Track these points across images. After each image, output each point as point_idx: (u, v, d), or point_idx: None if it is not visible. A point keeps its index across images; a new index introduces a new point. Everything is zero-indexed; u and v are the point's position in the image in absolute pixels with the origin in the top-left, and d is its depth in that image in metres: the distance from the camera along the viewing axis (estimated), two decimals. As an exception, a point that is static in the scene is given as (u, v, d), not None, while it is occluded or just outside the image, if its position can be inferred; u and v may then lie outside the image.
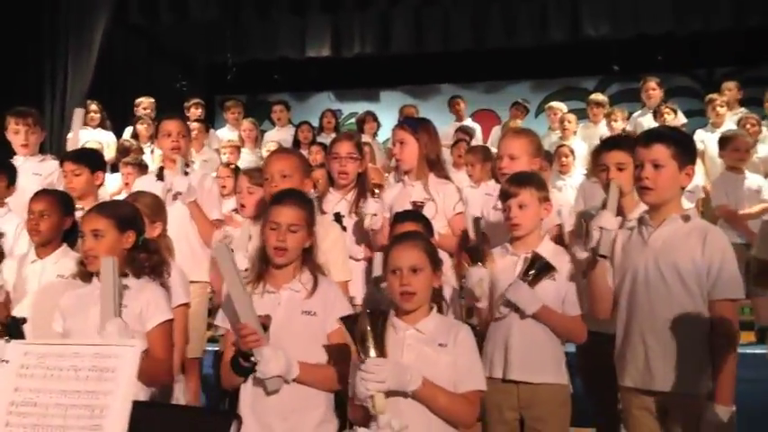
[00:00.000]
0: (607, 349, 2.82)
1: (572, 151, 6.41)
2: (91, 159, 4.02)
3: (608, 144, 3.38)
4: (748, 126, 6.00)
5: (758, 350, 4.13)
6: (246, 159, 6.84)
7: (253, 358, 2.45)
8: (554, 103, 7.83)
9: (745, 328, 4.64)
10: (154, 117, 7.04)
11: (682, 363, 2.58)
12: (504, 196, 2.98)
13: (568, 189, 5.81)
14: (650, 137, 2.73)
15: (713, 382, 2.56)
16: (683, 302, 2.60)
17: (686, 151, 2.69)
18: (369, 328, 2.23)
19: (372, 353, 2.22)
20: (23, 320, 2.75)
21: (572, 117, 7.24)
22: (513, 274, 2.91)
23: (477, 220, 3.37)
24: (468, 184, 5.06)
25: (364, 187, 3.67)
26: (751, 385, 3.64)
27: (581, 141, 6.95)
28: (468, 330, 2.48)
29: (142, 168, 5.52)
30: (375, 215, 3.45)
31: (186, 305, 3.20)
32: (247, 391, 2.54)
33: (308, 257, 2.67)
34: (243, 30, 9.86)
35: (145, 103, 7.52)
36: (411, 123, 3.69)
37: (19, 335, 2.62)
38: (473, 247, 3.06)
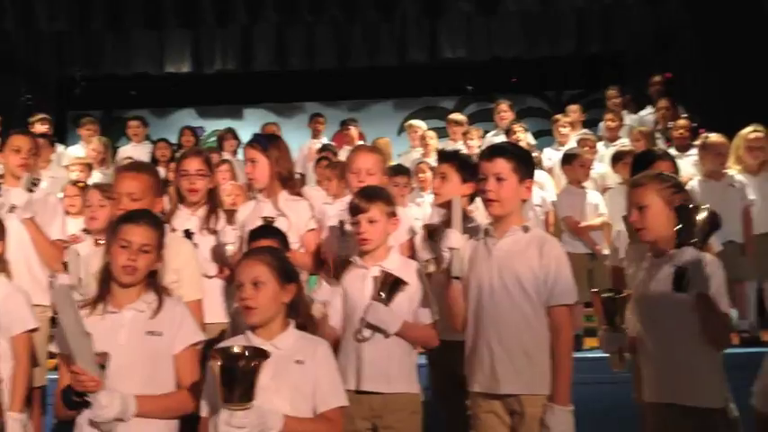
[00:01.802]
0: (456, 356, 2.91)
1: (431, 168, 6.58)
2: None
3: (444, 157, 3.53)
4: (587, 147, 6.43)
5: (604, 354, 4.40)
6: (98, 178, 6.52)
7: (87, 398, 2.34)
8: (414, 122, 8.02)
9: (589, 334, 4.92)
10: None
11: (525, 367, 2.70)
12: (354, 211, 3.02)
13: (426, 205, 5.96)
14: (493, 152, 2.86)
15: (553, 384, 2.69)
16: (525, 309, 2.72)
17: (525, 165, 2.83)
18: (242, 371, 2.15)
19: (239, 400, 2.15)
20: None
21: (433, 134, 7.45)
22: (363, 287, 2.95)
23: (334, 229, 3.39)
24: (325, 200, 5.07)
25: (215, 204, 3.60)
26: (597, 387, 3.88)
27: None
28: (326, 346, 2.48)
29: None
30: (233, 243, 3.41)
31: (34, 330, 3.04)
32: (83, 422, 2.42)
33: (152, 278, 2.59)
34: (96, 43, 9.46)
35: None
36: (261, 141, 3.65)
37: None
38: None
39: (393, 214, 3.05)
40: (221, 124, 9.27)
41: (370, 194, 3.05)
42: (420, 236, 3.52)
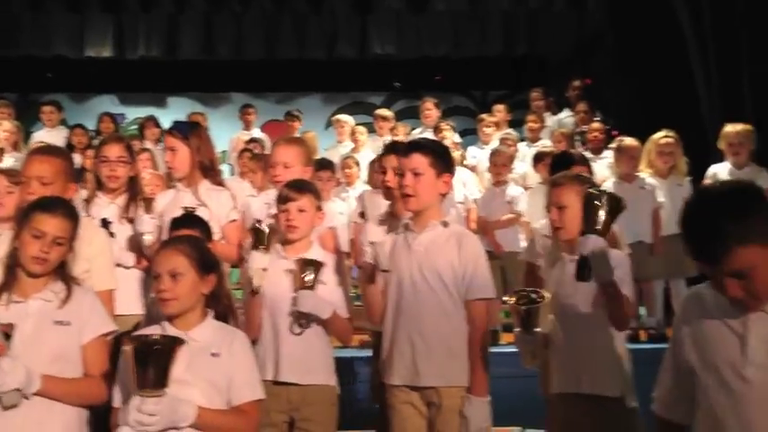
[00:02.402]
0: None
1: (357, 163, 6.61)
2: None
3: (388, 149, 3.57)
4: (509, 143, 6.59)
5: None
6: (9, 163, 6.26)
7: None
8: (341, 116, 8.02)
9: (507, 330, 5.04)
10: None
11: (445, 359, 2.76)
12: (284, 200, 3.01)
13: (351, 199, 5.98)
14: (410, 147, 2.91)
15: (470, 376, 2.76)
16: (444, 303, 2.77)
17: (443, 160, 2.87)
18: (156, 357, 2.12)
19: (151, 387, 2.12)
20: None
21: (362, 129, 7.46)
22: (283, 278, 2.94)
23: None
24: (250, 192, 5.03)
25: (135, 192, 3.53)
26: (514, 381, 3.98)
27: (366, 153, 7.18)
28: (243, 338, 2.45)
29: None
30: (151, 233, 3.33)
31: None
32: None
33: (62, 267, 2.51)
34: (14, 23, 9.07)
35: None
36: (181, 129, 3.58)
37: None
38: (259, 227, 3.01)
39: (320, 208, 3.07)
40: (144, 112, 9.02)
41: (301, 186, 3.07)
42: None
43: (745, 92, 6.00)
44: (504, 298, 2.75)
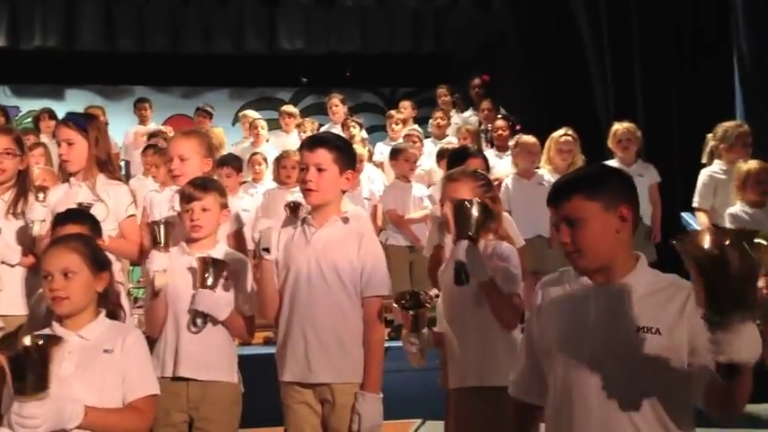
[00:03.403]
0: None
1: (265, 159, 6.54)
2: None
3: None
4: (415, 140, 6.67)
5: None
6: None
7: None
8: (247, 112, 7.94)
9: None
10: None
11: (339, 356, 2.75)
12: (187, 199, 2.96)
13: (258, 196, 5.92)
14: (314, 142, 2.89)
15: (364, 373, 2.76)
16: (340, 299, 2.76)
17: (346, 157, 2.87)
18: (31, 360, 2.02)
19: (31, 392, 2.02)
20: None
21: (263, 123, 7.39)
22: (187, 275, 2.90)
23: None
24: (153, 188, 4.90)
25: (25, 187, 3.38)
26: (410, 374, 4.02)
27: (273, 149, 7.12)
28: (137, 334, 2.40)
29: None
30: (44, 221, 3.19)
31: None
32: None
33: None
34: None
35: None
36: (78, 121, 3.45)
37: None
38: (156, 226, 2.94)
39: (225, 206, 3.02)
40: (39, 104, 8.64)
41: (204, 184, 3.02)
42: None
43: (638, 91, 6.30)
44: (391, 302, 2.76)
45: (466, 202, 2.65)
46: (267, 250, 2.77)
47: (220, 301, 2.86)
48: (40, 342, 2.09)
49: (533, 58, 7.58)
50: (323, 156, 2.80)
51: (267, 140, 7.28)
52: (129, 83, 9.73)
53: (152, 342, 2.77)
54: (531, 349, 1.99)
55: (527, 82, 7.85)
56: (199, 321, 2.87)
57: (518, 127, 6.86)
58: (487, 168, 3.51)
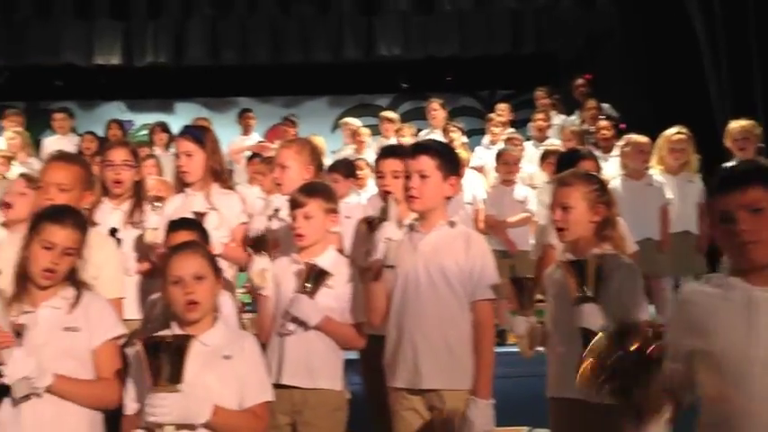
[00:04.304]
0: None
1: (368, 164, 6.61)
2: None
3: (384, 152, 3.53)
4: (516, 143, 6.56)
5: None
6: (19, 171, 6.29)
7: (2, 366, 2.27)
8: (348, 119, 8.02)
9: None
10: None
11: (448, 361, 2.72)
12: (292, 206, 3.00)
13: (363, 201, 5.96)
14: (417, 149, 2.87)
15: (474, 378, 2.72)
16: (450, 304, 2.74)
17: (450, 163, 2.84)
18: (168, 355, 2.13)
19: (166, 382, 2.13)
20: None
21: (366, 131, 7.45)
22: (293, 282, 2.93)
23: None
24: (259, 195, 5.03)
25: (140, 198, 3.51)
26: (521, 381, 3.94)
27: (373, 155, 7.17)
28: (253, 340, 2.47)
29: None
30: (156, 229, 3.31)
31: None
32: (4, 413, 2.35)
33: (72, 273, 2.52)
34: (22, 31, 9.12)
35: None
36: (196, 134, 3.58)
37: None
38: (257, 237, 3.02)
39: (333, 211, 3.03)
40: (151, 118, 9.08)
41: (310, 189, 3.03)
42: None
43: (756, 88, 5.95)
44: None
45: (581, 261, 2.54)
46: (392, 267, 2.78)
47: (314, 307, 2.87)
48: (178, 337, 2.20)
49: (640, 56, 7.31)
50: (426, 162, 2.79)
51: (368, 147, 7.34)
52: (233, 94, 10.06)
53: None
54: (677, 354, 1.84)
55: (633, 80, 7.57)
56: (291, 325, 2.89)
57: (622, 126, 6.62)
58: (598, 171, 3.38)
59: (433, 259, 2.76)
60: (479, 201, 5.84)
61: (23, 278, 2.47)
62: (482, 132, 8.03)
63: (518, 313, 2.65)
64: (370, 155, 7.15)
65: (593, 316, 2.43)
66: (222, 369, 2.32)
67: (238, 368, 2.34)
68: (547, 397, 2.77)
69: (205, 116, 8.53)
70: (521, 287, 2.66)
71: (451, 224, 2.83)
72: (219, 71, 9.66)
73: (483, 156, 6.90)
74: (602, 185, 2.79)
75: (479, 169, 6.60)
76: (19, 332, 2.34)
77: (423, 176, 2.77)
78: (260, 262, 2.95)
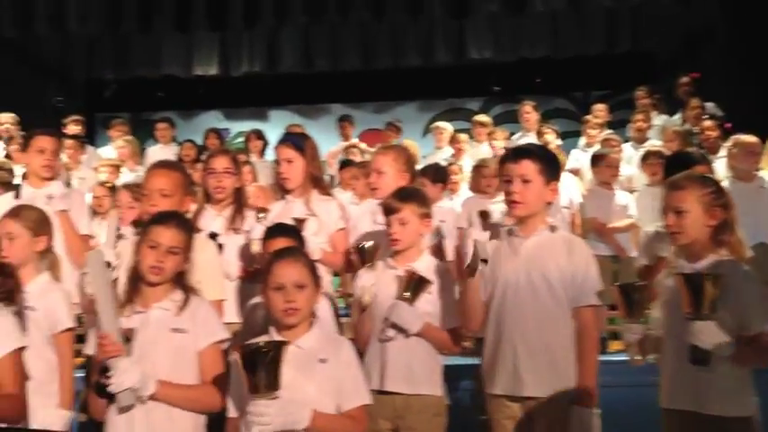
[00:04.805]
0: None
1: (461, 169, 6.58)
2: None
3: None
4: (614, 145, 6.36)
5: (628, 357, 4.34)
6: (127, 179, 6.59)
7: (109, 372, 2.36)
8: (440, 123, 8.00)
9: (615, 337, 4.85)
10: (23, 133, 6.66)
11: (550, 368, 2.66)
12: (386, 211, 3.01)
13: (456, 206, 5.92)
14: (519, 153, 2.82)
15: (578, 386, 2.65)
16: (551, 309, 2.68)
17: (552, 167, 2.80)
18: (265, 362, 2.17)
19: (264, 390, 2.16)
20: None
21: (464, 137, 7.42)
22: (390, 287, 2.94)
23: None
24: (351, 200, 5.07)
25: (241, 204, 3.59)
26: (622, 391, 3.82)
27: (468, 160, 7.13)
28: (349, 345, 2.49)
29: (9, 187, 5.21)
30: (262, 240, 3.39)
31: (72, 330, 3.00)
32: (112, 414, 2.44)
33: (180, 277, 2.62)
34: (125, 45, 9.56)
35: (7, 119, 6.93)
36: (296, 141, 3.64)
37: None
38: (364, 248, 3.04)
39: (426, 215, 3.03)
40: (246, 126, 9.33)
41: (404, 195, 3.04)
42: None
43: None
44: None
45: (697, 276, 2.43)
46: (485, 261, 2.73)
47: (414, 313, 2.87)
48: (274, 343, 2.23)
49: (744, 53, 6.96)
50: (528, 167, 2.74)
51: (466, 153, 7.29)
52: (326, 101, 10.21)
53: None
54: None
55: (737, 79, 7.23)
56: (390, 332, 2.90)
57: (727, 126, 6.32)
58: (712, 174, 3.22)
59: (534, 264, 2.71)
60: (576, 205, 5.69)
61: (135, 280, 2.59)
62: (576, 134, 7.85)
63: (627, 321, 2.55)
64: (466, 161, 7.12)
65: (706, 334, 2.35)
66: (318, 373, 2.34)
67: (334, 372, 2.36)
68: (659, 407, 2.66)
69: (298, 123, 8.70)
70: (630, 294, 2.56)
71: (552, 228, 2.77)
72: (312, 78, 9.83)
73: (579, 158, 6.73)
74: (718, 188, 2.67)
75: (575, 172, 6.44)
76: (128, 338, 2.43)
77: (525, 181, 2.73)
78: (365, 276, 2.96)
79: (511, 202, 2.76)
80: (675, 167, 3.15)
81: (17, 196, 3.82)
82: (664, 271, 2.76)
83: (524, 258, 2.73)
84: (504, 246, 2.79)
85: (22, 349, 2.48)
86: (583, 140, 7.19)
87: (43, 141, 3.89)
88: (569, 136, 8.23)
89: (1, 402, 2.14)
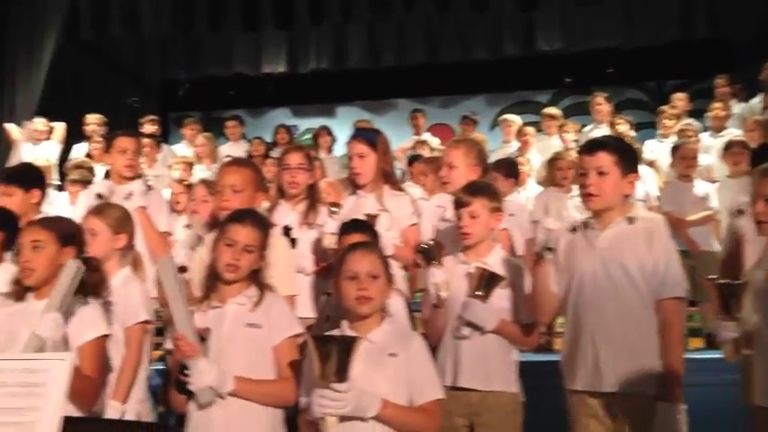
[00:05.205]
0: None
1: (528, 161, 6.50)
2: (24, 178, 3.83)
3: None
4: (690, 135, 6.15)
5: (707, 355, 4.21)
6: (200, 176, 6.74)
7: (188, 371, 2.41)
8: (508, 116, 7.90)
9: (694, 334, 4.71)
10: (105, 133, 6.91)
11: (631, 362, 2.60)
12: (457, 205, 3.00)
13: (522, 199, 5.85)
14: (594, 145, 2.77)
15: (663, 382, 2.57)
16: (632, 302, 2.62)
17: (629, 159, 2.74)
18: (337, 351, 2.18)
19: (334, 377, 2.18)
20: None
21: (531, 130, 7.31)
22: (462, 283, 2.92)
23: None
24: (421, 195, 5.06)
25: (315, 199, 3.62)
26: (701, 389, 3.70)
27: (536, 153, 7.03)
28: (420, 339, 2.48)
29: (88, 185, 5.41)
30: (335, 234, 3.38)
31: (146, 322, 3.10)
32: (193, 409, 2.50)
33: (256, 274, 2.66)
34: (196, 45, 9.78)
35: (93, 120, 7.31)
36: (368, 136, 3.66)
37: None
38: (426, 248, 3.04)
39: (497, 209, 3.00)
40: (314, 123, 9.42)
41: (474, 189, 3.03)
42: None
43: None
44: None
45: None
46: (551, 250, 2.69)
47: (489, 311, 2.85)
48: (347, 337, 2.26)
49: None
50: (604, 159, 2.69)
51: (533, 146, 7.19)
52: (392, 96, 10.21)
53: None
54: None
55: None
56: (465, 330, 2.88)
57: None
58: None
59: (613, 256, 2.65)
60: (652, 197, 5.54)
61: (213, 277, 2.64)
62: (650, 126, 7.63)
63: (722, 317, 2.46)
64: (534, 154, 7.02)
65: None
66: (388, 367, 2.35)
67: (404, 366, 2.36)
68: (751, 405, 2.57)
69: (365, 118, 8.73)
70: (727, 291, 2.47)
71: (630, 220, 2.70)
72: (378, 74, 9.83)
73: (655, 149, 6.54)
74: None
75: (651, 164, 6.26)
76: (204, 337, 2.47)
77: (601, 173, 2.68)
78: (438, 273, 2.95)
79: (586, 195, 2.71)
80: (763, 157, 3.04)
81: (99, 194, 3.95)
82: (753, 264, 2.66)
83: (601, 251, 2.67)
84: (580, 239, 2.74)
85: (105, 338, 2.58)
86: (658, 131, 6.97)
87: (125, 142, 4.04)
88: (643, 127, 8.00)
89: (77, 382, 2.21)
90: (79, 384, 2.36)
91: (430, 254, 2.99)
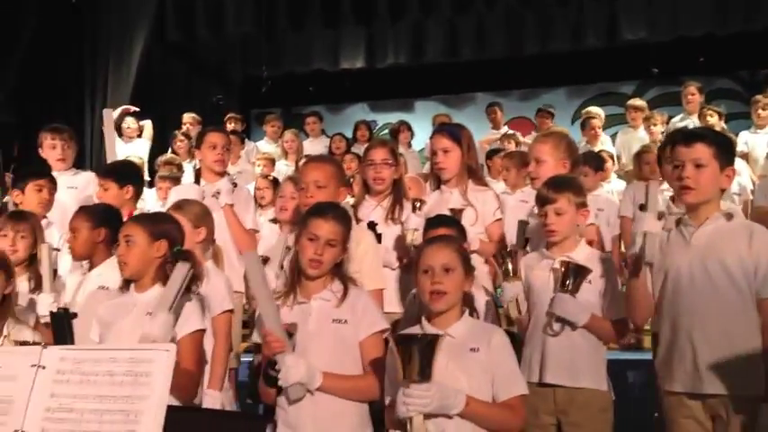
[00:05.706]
0: None
1: (611, 156, 6.35)
2: (119, 173, 4.00)
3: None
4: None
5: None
6: (283, 171, 6.87)
7: (277, 366, 2.45)
8: (591, 108, 7.72)
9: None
10: (185, 132, 7.15)
11: (732, 363, 2.51)
12: (542, 202, 2.96)
13: (604, 193, 5.72)
14: (691, 136, 2.68)
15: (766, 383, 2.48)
16: (731, 300, 2.53)
17: (727, 152, 2.65)
18: (419, 350, 2.19)
19: (418, 376, 2.18)
20: (74, 315, 2.64)
21: (597, 122, 7.15)
22: (548, 278, 2.88)
23: (522, 224, 3.28)
24: (504, 190, 5.00)
25: (400, 194, 3.63)
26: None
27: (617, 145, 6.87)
28: (502, 334, 2.46)
29: (177, 182, 5.59)
30: (417, 230, 3.40)
31: (230, 312, 3.18)
32: (282, 403, 2.54)
33: (339, 268, 2.67)
34: (277, 43, 9.95)
35: (188, 119, 7.55)
36: (453, 131, 3.65)
37: (65, 327, 2.56)
38: (503, 258, 3.01)
39: (583, 205, 2.95)
40: (392, 117, 9.44)
41: (559, 184, 2.97)
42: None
43: None
44: None
45: None
46: (650, 264, 2.62)
47: (579, 306, 2.80)
48: (428, 335, 2.25)
49: None
50: (702, 151, 2.60)
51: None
52: (471, 90, 10.12)
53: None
54: None
55: None
56: (556, 326, 2.83)
57: None
58: None
59: (710, 254, 2.56)
60: (748, 191, 5.31)
61: (296, 272, 2.66)
62: (741, 116, 7.31)
63: None
64: (609, 145, 6.85)
65: None
66: (469, 362, 2.33)
67: (486, 361, 2.34)
68: None
69: (444, 113, 8.69)
70: None
71: (728, 216, 2.60)
72: (457, 68, 9.75)
73: (749, 141, 6.27)
74: None
75: (744, 156, 6.01)
76: (291, 333, 2.50)
77: (698, 166, 2.59)
78: (511, 288, 2.92)
79: (682, 188, 2.62)
80: None
81: (197, 182, 4.08)
82: None
83: (698, 248, 2.58)
84: (675, 235, 2.66)
85: (202, 332, 2.65)
86: (753, 122, 6.67)
87: (214, 137, 4.15)
88: (734, 118, 7.68)
89: (178, 377, 2.28)
90: (179, 378, 2.41)
91: (506, 263, 2.97)
